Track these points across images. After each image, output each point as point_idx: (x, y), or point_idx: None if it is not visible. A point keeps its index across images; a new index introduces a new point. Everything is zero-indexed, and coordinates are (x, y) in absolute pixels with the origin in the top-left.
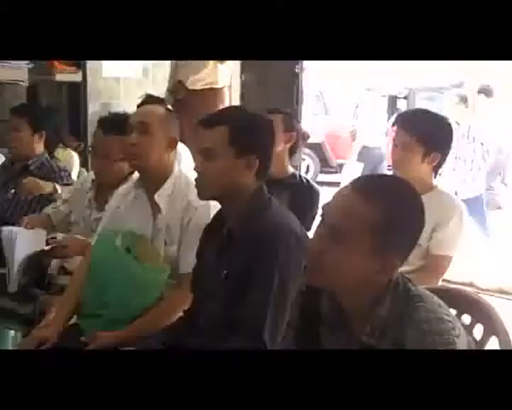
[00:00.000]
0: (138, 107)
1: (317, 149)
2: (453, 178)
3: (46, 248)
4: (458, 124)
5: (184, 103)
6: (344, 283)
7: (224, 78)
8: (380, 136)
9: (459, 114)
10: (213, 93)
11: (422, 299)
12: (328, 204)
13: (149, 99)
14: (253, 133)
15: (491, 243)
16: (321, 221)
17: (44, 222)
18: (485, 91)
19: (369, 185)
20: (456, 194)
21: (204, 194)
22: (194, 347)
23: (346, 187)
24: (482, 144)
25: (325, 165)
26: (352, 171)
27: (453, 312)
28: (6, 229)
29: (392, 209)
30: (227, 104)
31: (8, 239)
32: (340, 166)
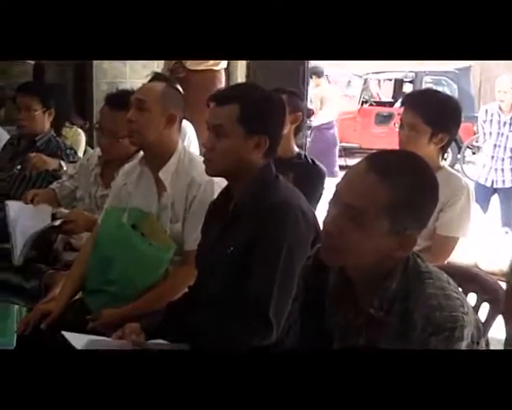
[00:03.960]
0: None
1: None
2: (491, 167)
3: (56, 223)
4: (502, 110)
5: (184, 82)
6: (361, 261)
7: (224, 61)
8: None
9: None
10: (212, 74)
11: (431, 275)
12: (341, 183)
13: (157, 77)
14: (264, 113)
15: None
16: (335, 200)
17: (49, 197)
18: None
19: (385, 162)
20: (492, 183)
21: (212, 170)
22: (197, 323)
23: (359, 165)
24: None
25: None
26: None
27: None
28: (11, 204)
29: (409, 184)
30: (223, 85)
31: (12, 214)
32: (345, 149)
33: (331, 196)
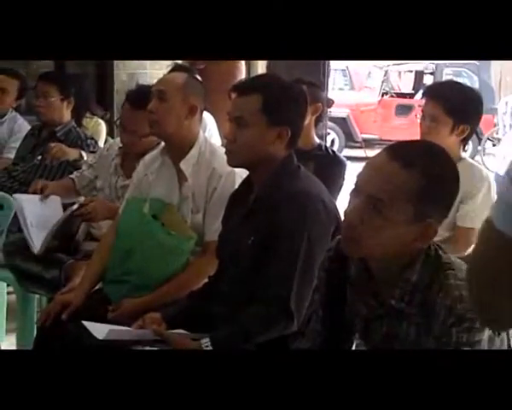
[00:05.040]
0: None
1: (342, 123)
2: None
3: (74, 206)
4: None
5: (204, 73)
6: (382, 252)
7: None
8: None
9: None
10: (232, 65)
11: (453, 266)
12: (363, 173)
13: (178, 67)
14: (286, 104)
15: None
16: (356, 191)
17: (67, 186)
18: None
19: (406, 151)
20: None
21: (233, 161)
22: (217, 313)
23: (381, 155)
24: None
25: (350, 139)
26: None
27: None
28: (18, 197)
29: (430, 174)
30: (244, 76)
31: (21, 207)
32: (365, 140)
33: (352, 187)
